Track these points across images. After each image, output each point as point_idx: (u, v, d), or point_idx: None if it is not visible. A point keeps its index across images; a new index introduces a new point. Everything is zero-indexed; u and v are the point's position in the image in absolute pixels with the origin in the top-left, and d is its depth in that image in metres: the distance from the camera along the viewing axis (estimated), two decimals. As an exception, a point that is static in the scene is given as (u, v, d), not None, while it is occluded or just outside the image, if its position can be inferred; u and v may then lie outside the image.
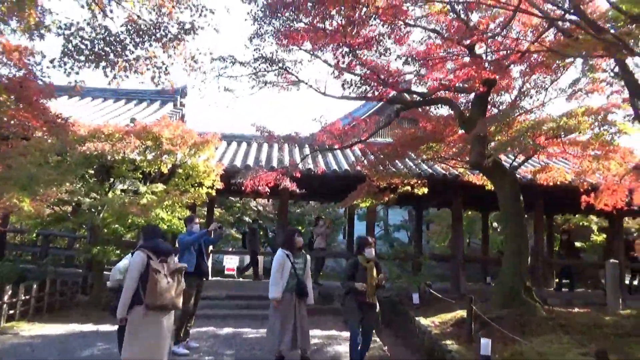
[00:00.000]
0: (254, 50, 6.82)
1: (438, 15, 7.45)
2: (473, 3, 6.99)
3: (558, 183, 9.87)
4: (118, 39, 5.85)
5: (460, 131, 9.14)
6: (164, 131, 9.66)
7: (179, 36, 6.22)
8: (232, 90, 7.27)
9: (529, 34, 7.57)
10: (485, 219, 16.06)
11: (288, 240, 6.00)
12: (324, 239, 12.38)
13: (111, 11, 5.99)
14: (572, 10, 4.84)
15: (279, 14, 6.24)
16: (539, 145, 7.36)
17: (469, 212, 17.82)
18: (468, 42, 7.11)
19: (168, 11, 6.12)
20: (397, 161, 10.76)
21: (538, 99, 8.69)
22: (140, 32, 5.81)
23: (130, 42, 5.90)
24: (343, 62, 6.81)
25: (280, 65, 7.12)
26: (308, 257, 6.17)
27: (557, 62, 8.51)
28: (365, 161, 10.69)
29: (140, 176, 9.97)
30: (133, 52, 6.13)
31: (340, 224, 20.60)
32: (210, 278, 8.73)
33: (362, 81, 7.21)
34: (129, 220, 9.61)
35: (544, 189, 10.23)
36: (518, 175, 9.64)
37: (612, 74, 8.30)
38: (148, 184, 9.94)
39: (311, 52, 7.29)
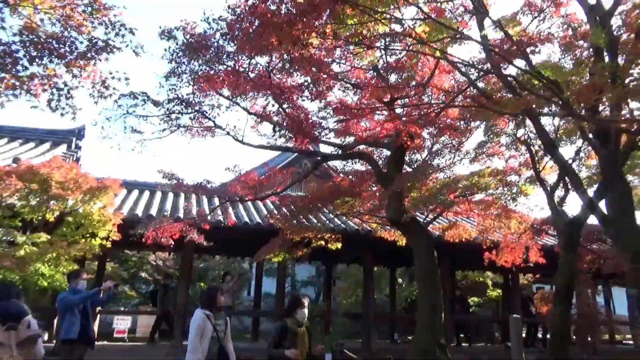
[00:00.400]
0: (169, 89, 6.33)
1: (359, 72, 7.58)
2: (392, 63, 7.23)
3: (463, 240, 10.26)
4: (8, 50, 4.89)
5: (375, 187, 9.24)
6: (54, 173, 8.53)
7: (89, 55, 5.35)
8: (141, 132, 6.63)
9: (441, 97, 7.97)
10: (392, 274, 16.24)
11: (210, 299, 5.20)
12: (231, 296, 11.53)
13: (2, 19, 5.05)
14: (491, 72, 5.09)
15: (199, 54, 5.87)
16: (454, 202, 7.56)
17: (375, 268, 17.98)
18: (387, 99, 7.28)
19: (77, 24, 5.27)
20: (312, 215, 10.52)
21: (450, 158, 9.11)
22: (39, 45, 4.93)
23: (25, 56, 4.96)
24: (270, 107, 6.55)
25: (197, 108, 6.67)
26: (228, 318, 5.43)
27: (464, 125, 9.11)
28: (279, 214, 10.37)
29: (20, 224, 8.61)
30: (27, 69, 5.18)
31: (246, 279, 19.66)
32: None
33: (282, 131, 6.97)
34: (0, 276, 8.14)
35: (450, 245, 10.55)
36: (428, 232, 9.85)
37: (512, 138, 8.97)
38: (28, 233, 8.59)
39: (230, 98, 6.95)
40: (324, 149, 8.67)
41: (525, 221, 9.55)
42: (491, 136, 9.56)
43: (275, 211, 10.66)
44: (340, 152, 7.94)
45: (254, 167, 10.61)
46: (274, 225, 9.97)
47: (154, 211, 10.48)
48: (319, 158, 8.04)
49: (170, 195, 11.97)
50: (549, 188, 7.70)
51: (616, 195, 4.69)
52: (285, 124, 6.87)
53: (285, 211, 9.54)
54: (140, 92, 6.11)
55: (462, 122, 8.97)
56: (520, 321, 9.87)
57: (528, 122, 8.32)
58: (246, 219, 10.68)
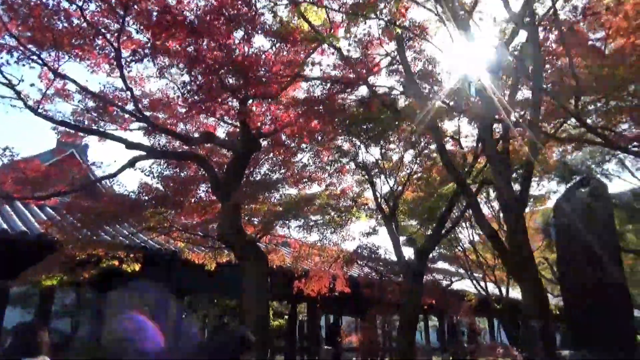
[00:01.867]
0: None
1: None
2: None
3: (274, 267, 9.61)
4: None
5: (197, 198, 7.87)
6: None
7: None
8: None
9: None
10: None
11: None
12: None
13: None
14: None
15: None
16: (309, 219, 6.86)
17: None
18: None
19: None
20: (108, 227, 8.34)
21: (280, 178, 8.40)
22: None
23: None
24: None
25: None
26: None
27: (294, 146, 8.66)
28: (59, 223, 7.94)
29: None
30: None
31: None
32: None
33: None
34: None
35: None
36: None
37: (343, 161, 8.78)
38: None
39: (29, 48, 4.82)
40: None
41: (341, 251, 9.50)
42: (317, 160, 9.34)
43: (59, 218, 8.15)
44: (183, 144, 6.40)
45: (39, 153, 7.83)
46: (48, 237, 7.56)
47: None
48: (142, 153, 6.28)
49: None
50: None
51: (516, 226, 4.73)
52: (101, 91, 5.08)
53: (76, 218, 7.28)
54: None
55: (292, 142, 8.56)
56: (333, 352, 9.66)
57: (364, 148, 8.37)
58: (4, 226, 7.77)
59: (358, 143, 7.88)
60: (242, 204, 6.52)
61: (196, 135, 7.47)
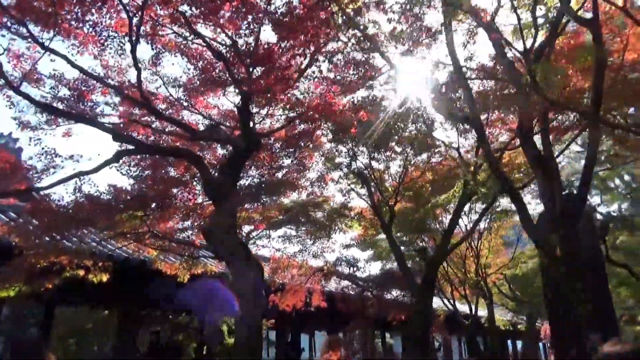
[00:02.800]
0: None
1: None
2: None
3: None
4: None
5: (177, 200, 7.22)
6: None
7: None
8: None
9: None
10: (138, 318, 13.12)
11: None
12: None
13: None
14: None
15: None
16: (309, 226, 6.40)
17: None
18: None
19: None
20: (76, 232, 7.45)
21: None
22: None
23: None
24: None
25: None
26: None
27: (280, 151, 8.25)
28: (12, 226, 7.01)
29: None
30: None
31: None
32: None
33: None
34: None
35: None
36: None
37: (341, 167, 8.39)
38: None
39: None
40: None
41: (326, 262, 9.10)
42: (300, 167, 8.97)
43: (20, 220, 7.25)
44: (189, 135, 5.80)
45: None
46: (4, 242, 6.67)
47: None
48: (131, 147, 5.59)
49: None
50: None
51: (571, 234, 4.57)
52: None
53: (38, 221, 6.44)
54: None
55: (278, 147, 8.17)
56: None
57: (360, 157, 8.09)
58: (-51, 228, 6.76)
59: (354, 149, 7.55)
60: (239, 206, 6.00)
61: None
